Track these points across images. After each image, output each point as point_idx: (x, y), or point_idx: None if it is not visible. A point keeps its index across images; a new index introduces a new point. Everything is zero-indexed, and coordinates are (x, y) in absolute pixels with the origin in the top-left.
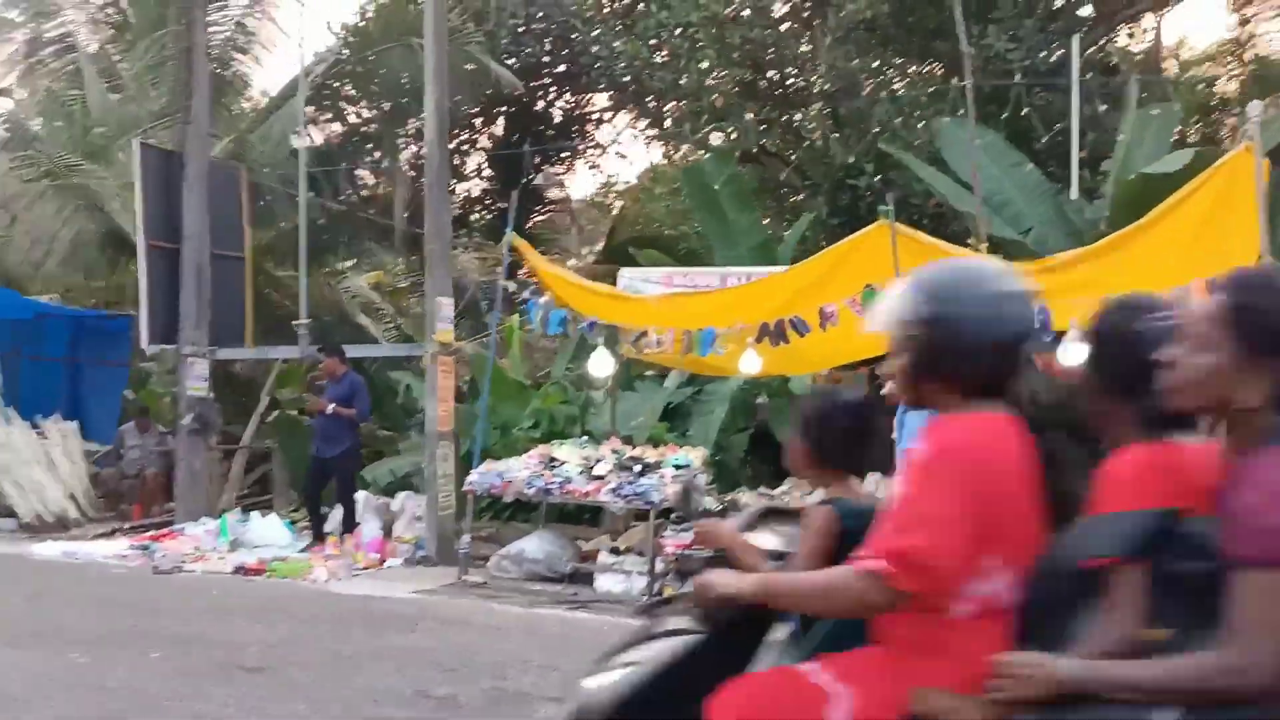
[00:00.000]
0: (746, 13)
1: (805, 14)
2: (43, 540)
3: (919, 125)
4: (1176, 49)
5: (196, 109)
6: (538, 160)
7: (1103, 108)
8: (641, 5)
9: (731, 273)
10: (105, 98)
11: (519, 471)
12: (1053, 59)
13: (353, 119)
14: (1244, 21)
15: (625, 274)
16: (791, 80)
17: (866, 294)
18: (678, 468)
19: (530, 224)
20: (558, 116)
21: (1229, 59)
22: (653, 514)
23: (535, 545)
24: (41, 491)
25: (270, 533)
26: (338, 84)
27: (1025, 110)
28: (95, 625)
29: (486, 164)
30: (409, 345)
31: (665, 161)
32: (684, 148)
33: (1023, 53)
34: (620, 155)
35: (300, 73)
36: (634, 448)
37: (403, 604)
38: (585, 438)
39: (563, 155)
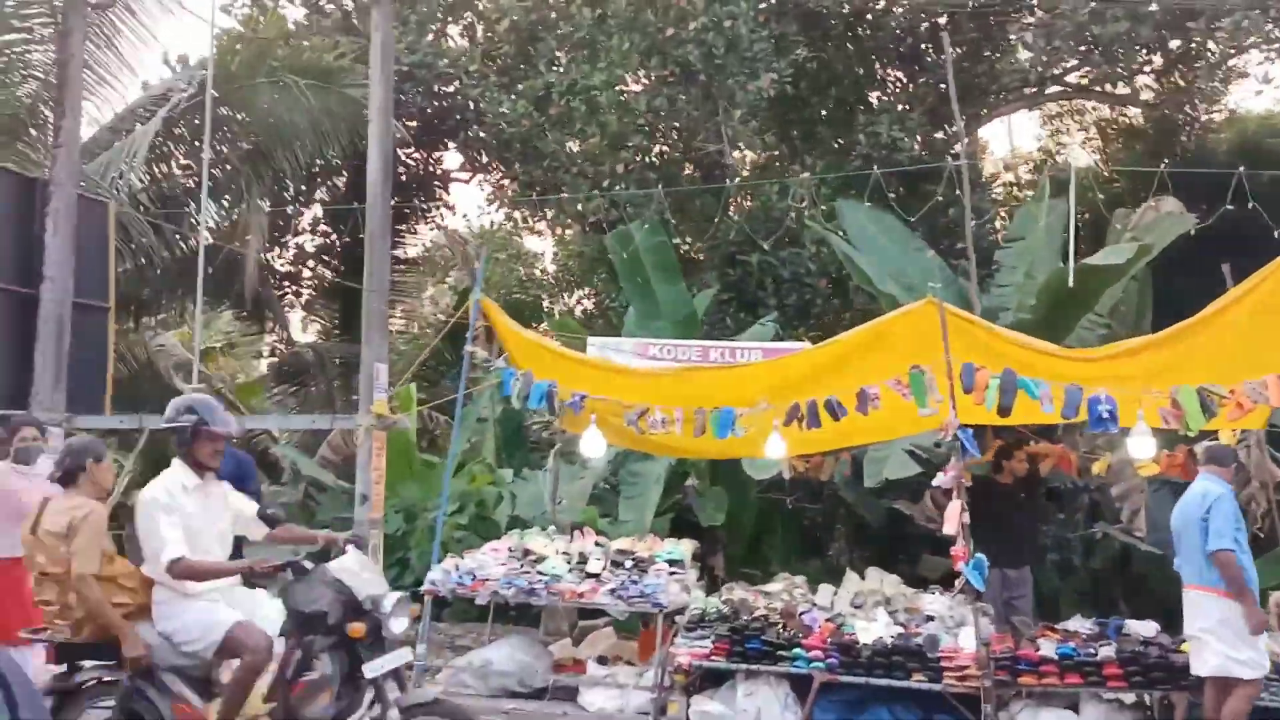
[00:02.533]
0: (647, 82)
1: (709, 88)
2: None
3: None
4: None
5: (68, 131)
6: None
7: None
8: (523, 66)
9: (713, 347)
10: None
11: (492, 569)
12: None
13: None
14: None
15: (595, 343)
16: (692, 154)
17: (914, 377)
18: (671, 563)
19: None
20: (402, 171)
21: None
22: (661, 617)
23: (504, 654)
24: None
25: None
26: (189, 119)
27: (901, 195)
28: None
29: (324, 219)
30: (328, 416)
31: (513, 226)
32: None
33: (910, 141)
34: (464, 217)
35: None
36: (615, 541)
37: None
38: (553, 527)
39: (406, 213)
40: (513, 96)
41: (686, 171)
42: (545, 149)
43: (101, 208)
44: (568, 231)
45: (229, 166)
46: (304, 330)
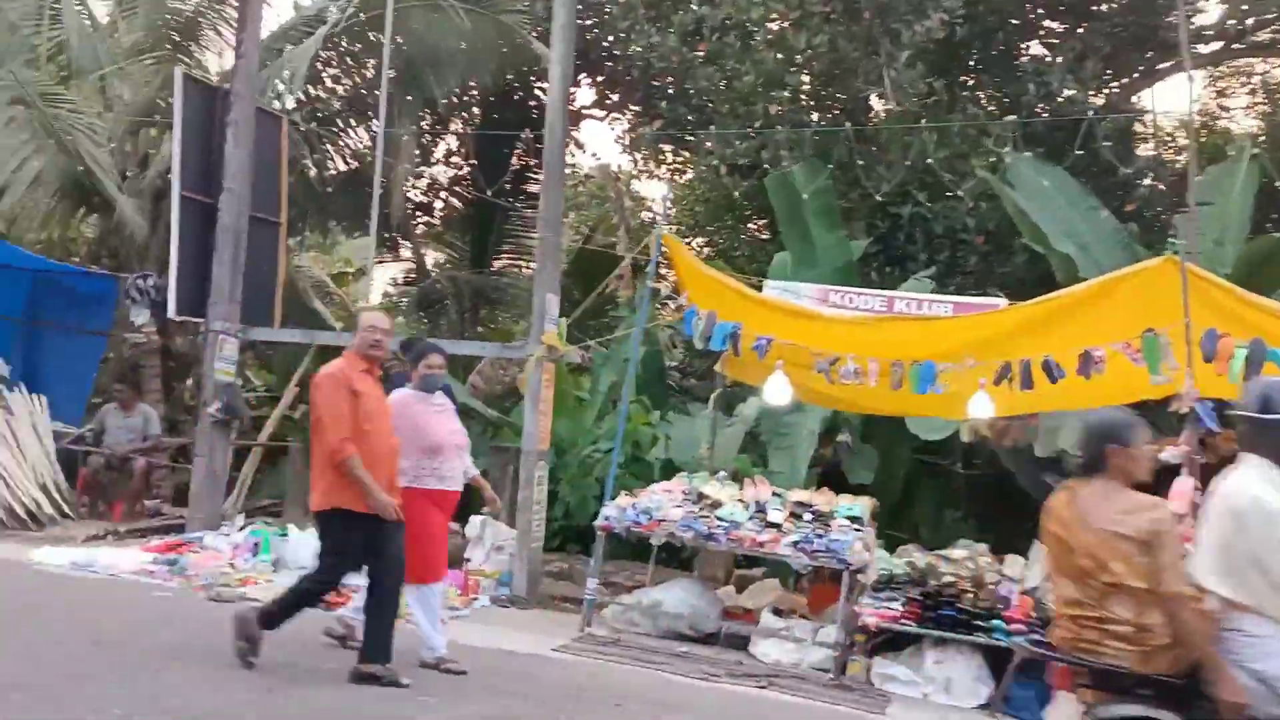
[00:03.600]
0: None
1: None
2: (39, 545)
3: (973, 158)
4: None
5: (248, 42)
6: (519, 150)
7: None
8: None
9: (899, 296)
10: (81, 25)
11: (669, 509)
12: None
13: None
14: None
15: (773, 285)
16: (849, 95)
17: (1148, 341)
18: (851, 519)
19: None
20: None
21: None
22: (847, 576)
23: (676, 597)
24: (8, 479)
25: (309, 552)
26: (340, 41)
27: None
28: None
29: (459, 150)
30: (497, 345)
31: (637, 164)
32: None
33: (1084, 93)
34: (593, 155)
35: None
36: (792, 491)
37: (550, 666)
38: (722, 473)
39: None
40: (659, 29)
41: (834, 114)
42: (694, 85)
43: (276, 122)
44: (701, 173)
45: (378, 90)
46: (434, 260)
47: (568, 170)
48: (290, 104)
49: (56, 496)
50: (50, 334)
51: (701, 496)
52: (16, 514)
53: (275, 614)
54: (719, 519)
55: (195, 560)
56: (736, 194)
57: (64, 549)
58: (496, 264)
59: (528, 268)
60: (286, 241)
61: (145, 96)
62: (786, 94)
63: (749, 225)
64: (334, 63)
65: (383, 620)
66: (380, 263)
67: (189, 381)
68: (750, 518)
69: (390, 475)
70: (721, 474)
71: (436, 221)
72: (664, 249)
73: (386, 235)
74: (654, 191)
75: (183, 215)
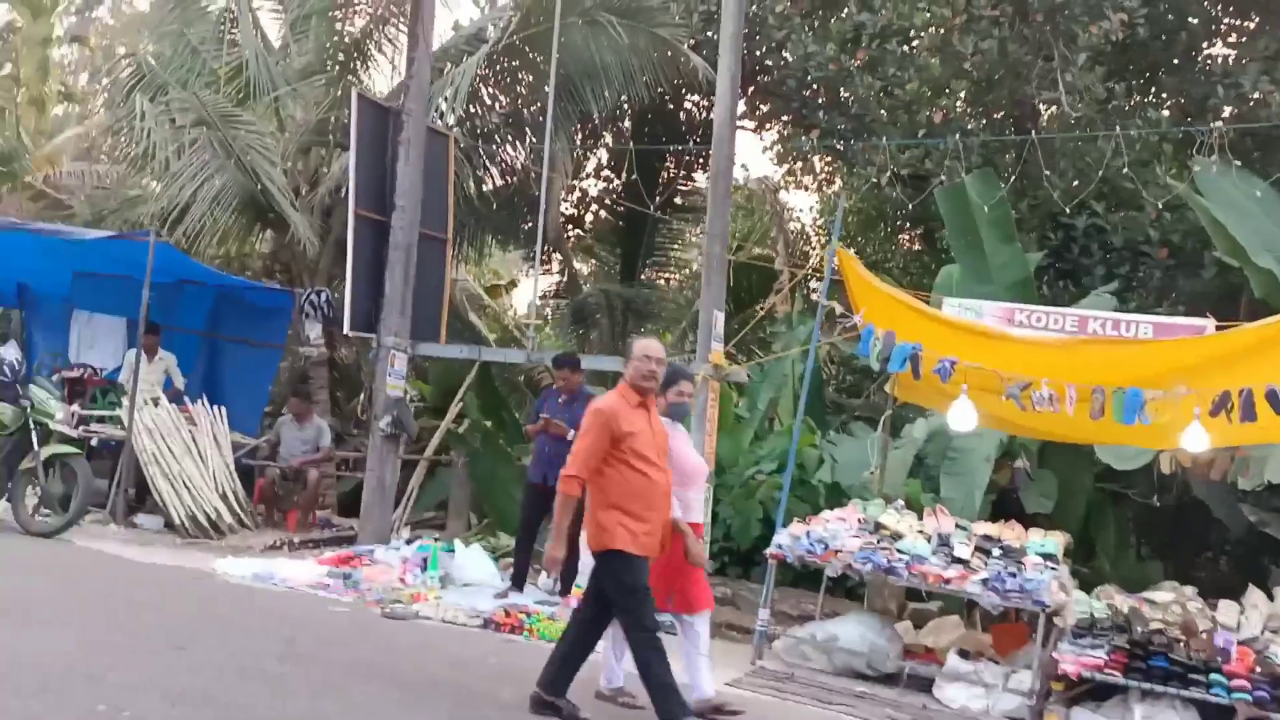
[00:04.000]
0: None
1: (1042, 29)
2: (220, 554)
3: (1156, 166)
4: None
5: (419, 62)
6: (670, 163)
7: None
8: (825, 9)
9: (1093, 316)
10: (257, 48)
11: (846, 539)
12: None
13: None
14: None
15: (951, 302)
16: (1014, 101)
17: None
18: (1044, 556)
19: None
20: (684, 117)
21: None
22: (1043, 618)
23: (855, 633)
24: (192, 488)
25: (479, 568)
26: (502, 58)
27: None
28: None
29: (609, 163)
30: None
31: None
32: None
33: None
34: (742, 166)
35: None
36: (976, 523)
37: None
38: (899, 502)
39: (689, 160)
40: (816, 38)
41: (998, 120)
42: (852, 94)
43: (443, 140)
44: (856, 184)
45: (535, 106)
46: (582, 273)
47: (757, 179)
48: (451, 121)
49: (235, 506)
50: (230, 347)
51: (879, 527)
52: (199, 522)
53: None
54: (900, 551)
55: (368, 574)
56: (887, 205)
57: (245, 560)
58: (643, 276)
59: (675, 279)
60: (450, 257)
61: (316, 116)
62: (951, 101)
63: (902, 236)
64: (490, 80)
65: (584, 651)
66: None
67: (361, 396)
68: (934, 551)
69: (665, 514)
70: (898, 503)
71: (586, 234)
72: (836, 264)
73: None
74: (801, 203)
75: (357, 232)
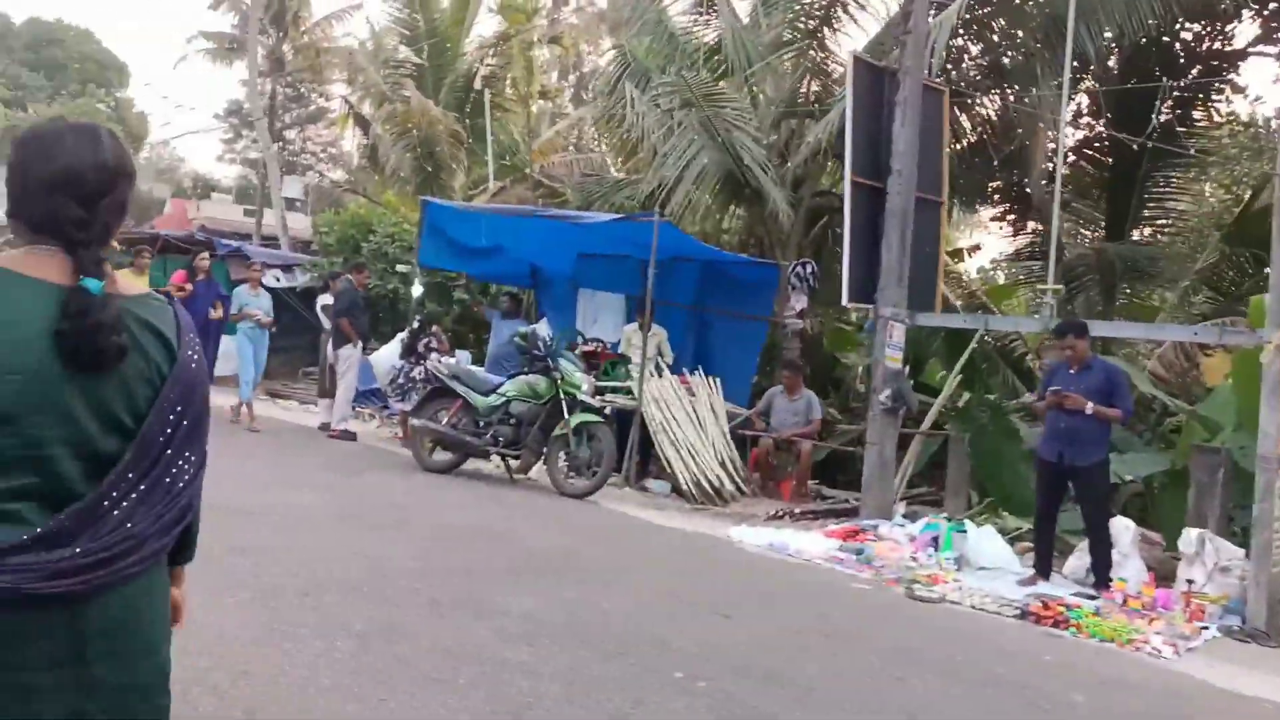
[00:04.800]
0: None
1: None
2: (726, 521)
3: None
4: None
5: (917, 16)
6: (1166, 103)
7: None
8: None
9: None
10: (733, 26)
11: None
12: None
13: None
14: None
15: None
16: None
17: None
18: None
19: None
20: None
21: None
22: None
23: None
24: (696, 456)
25: (994, 551)
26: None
27: None
28: None
29: (1089, 108)
30: (1202, 326)
31: None
32: None
33: None
34: (1255, 99)
35: None
36: None
37: None
38: None
39: (1189, 97)
40: None
41: None
42: None
43: (937, 96)
44: None
45: (1018, 53)
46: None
47: (1222, 119)
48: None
49: (734, 474)
50: (717, 320)
51: None
52: (704, 489)
53: None
54: None
55: (878, 550)
56: None
57: (756, 529)
58: (1134, 233)
59: (1169, 234)
60: (945, 221)
61: (787, 88)
62: None
63: None
64: (960, 30)
65: None
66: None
67: (856, 369)
68: None
69: None
70: None
71: (1064, 188)
72: None
73: (1011, 207)
74: None
75: (854, 200)
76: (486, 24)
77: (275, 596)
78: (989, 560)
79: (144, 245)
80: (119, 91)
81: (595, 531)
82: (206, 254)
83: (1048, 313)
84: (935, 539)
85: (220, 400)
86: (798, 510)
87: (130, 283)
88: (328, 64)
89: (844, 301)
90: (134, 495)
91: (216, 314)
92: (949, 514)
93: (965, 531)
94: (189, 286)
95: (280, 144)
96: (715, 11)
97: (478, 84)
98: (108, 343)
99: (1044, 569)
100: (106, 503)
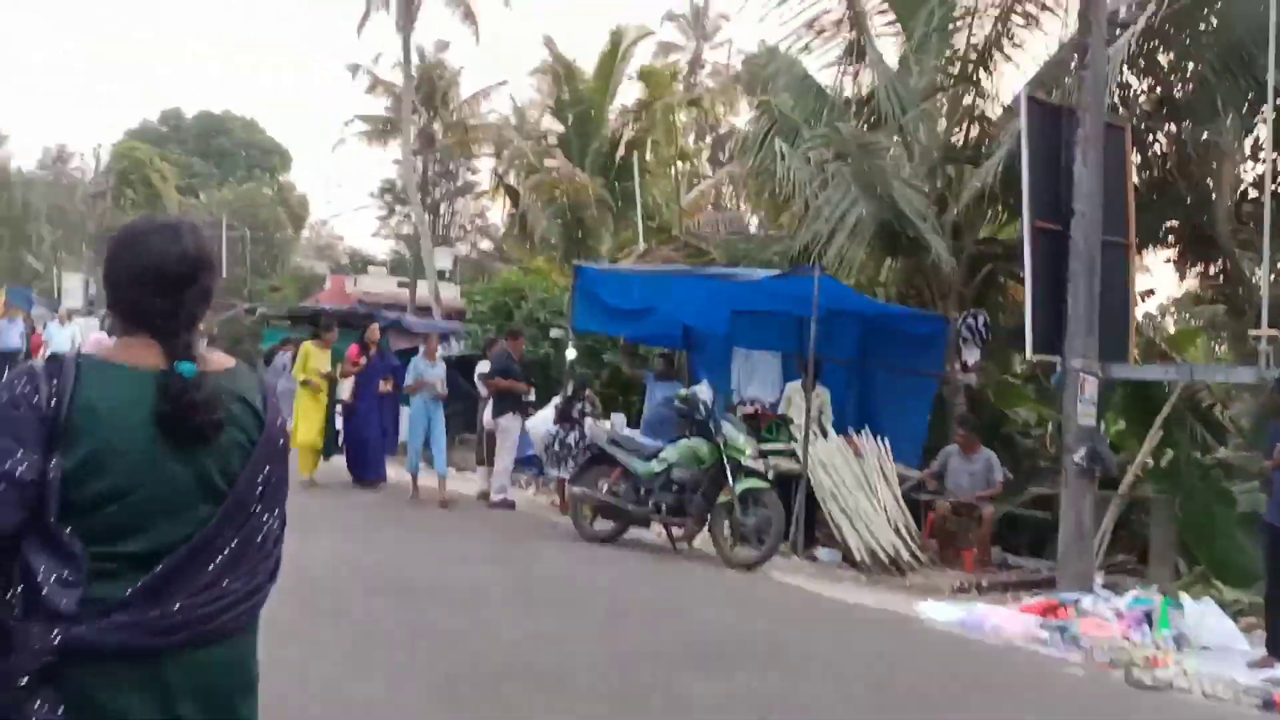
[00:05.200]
0: None
1: None
2: (909, 594)
3: None
4: None
5: (1094, 51)
6: None
7: None
8: None
9: None
10: (885, 74)
11: None
12: None
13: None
14: None
15: None
16: None
17: None
18: None
19: None
20: None
21: None
22: None
23: None
24: (868, 523)
25: (1217, 628)
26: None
27: None
28: None
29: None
30: None
31: None
32: None
33: None
34: None
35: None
36: None
37: None
38: None
39: None
40: None
41: None
42: None
43: (1118, 134)
44: None
45: (1190, 86)
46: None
47: None
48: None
49: (909, 541)
50: (881, 376)
51: None
52: (878, 558)
53: None
54: None
55: (1083, 627)
56: None
57: (945, 604)
58: None
59: None
60: (1134, 264)
61: (943, 134)
62: None
63: None
64: (1125, 64)
65: None
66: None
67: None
68: None
69: None
70: None
71: (1244, 224)
72: None
73: (1187, 247)
74: None
75: (1034, 246)
76: (627, 91)
77: (456, 685)
78: (1211, 639)
79: (331, 322)
80: (282, 175)
81: (772, 608)
82: (376, 326)
83: (1264, 362)
84: (1147, 614)
85: (395, 474)
86: (984, 582)
87: (219, 359)
88: (475, 139)
89: (1028, 354)
90: (227, 553)
91: (386, 387)
92: (1157, 585)
93: (1181, 606)
94: (362, 361)
95: (431, 217)
96: (864, 62)
97: (622, 149)
98: (205, 420)
99: (1278, 649)
100: (202, 561)
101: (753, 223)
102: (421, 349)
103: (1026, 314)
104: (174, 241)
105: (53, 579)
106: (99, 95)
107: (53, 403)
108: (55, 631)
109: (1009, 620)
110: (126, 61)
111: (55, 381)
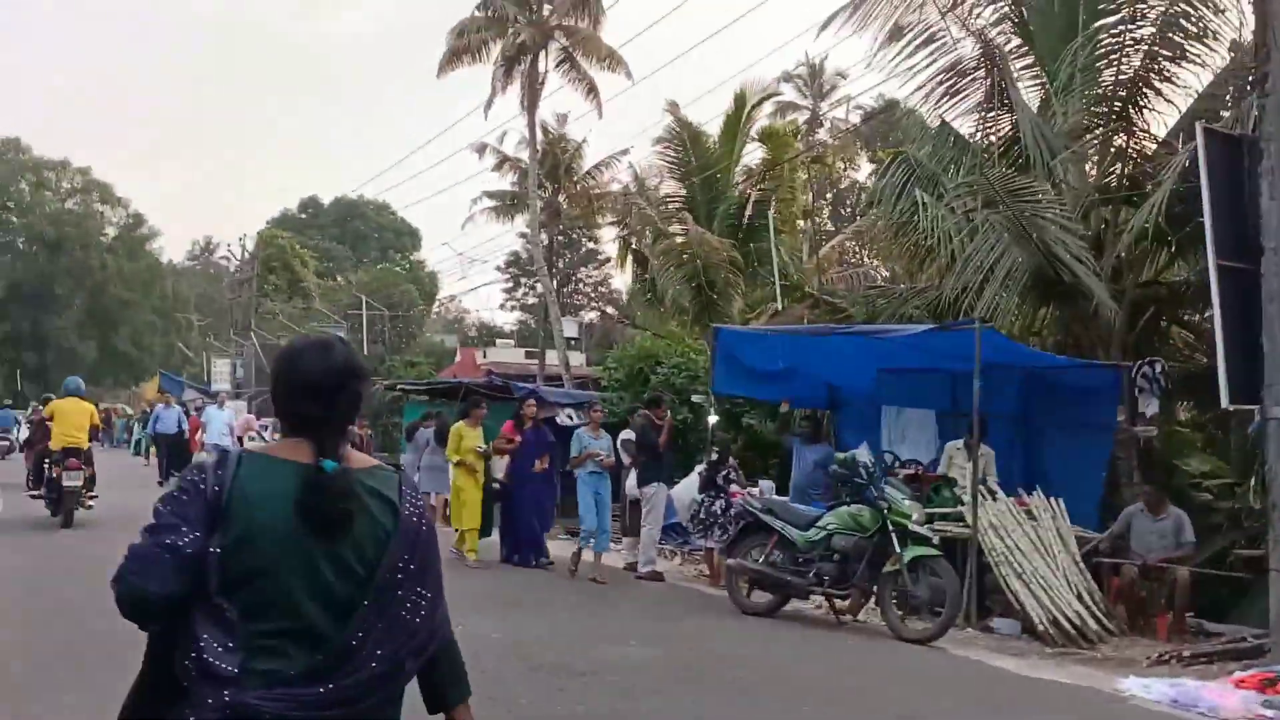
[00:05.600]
0: None
1: None
2: (1099, 667)
3: None
4: None
5: (1274, 77)
6: None
7: None
8: None
9: None
10: (1031, 117)
11: None
12: None
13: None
14: None
15: None
16: None
17: None
18: None
19: None
20: None
21: None
22: None
23: None
24: (1048, 590)
25: None
26: None
27: None
28: None
29: None
30: None
31: None
32: None
33: None
34: None
35: None
36: None
37: None
38: None
39: None
40: None
41: None
42: None
43: None
44: None
45: None
46: None
47: None
48: None
49: (1094, 608)
50: (1049, 432)
51: None
52: (1062, 628)
53: None
54: None
55: None
56: None
57: (1147, 680)
58: None
59: None
60: None
61: (1095, 175)
62: None
63: None
64: None
65: None
66: None
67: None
68: None
69: None
70: None
71: None
72: None
73: None
74: None
75: (1221, 287)
76: (749, 152)
77: None
78: None
79: (479, 399)
80: (413, 254)
81: (957, 686)
82: (533, 403)
83: None
84: None
85: (557, 550)
86: (1186, 652)
87: (361, 458)
88: (600, 209)
89: (1224, 403)
90: (375, 633)
91: (542, 466)
92: None
93: None
94: (518, 438)
95: (558, 287)
96: (1006, 106)
97: (749, 210)
98: (336, 510)
99: None
100: (354, 643)
101: (880, 277)
102: (572, 417)
103: (1219, 360)
104: (325, 357)
105: (216, 646)
106: (243, 191)
107: (216, 489)
108: (226, 693)
109: (1223, 696)
110: (269, 154)
111: (220, 472)
